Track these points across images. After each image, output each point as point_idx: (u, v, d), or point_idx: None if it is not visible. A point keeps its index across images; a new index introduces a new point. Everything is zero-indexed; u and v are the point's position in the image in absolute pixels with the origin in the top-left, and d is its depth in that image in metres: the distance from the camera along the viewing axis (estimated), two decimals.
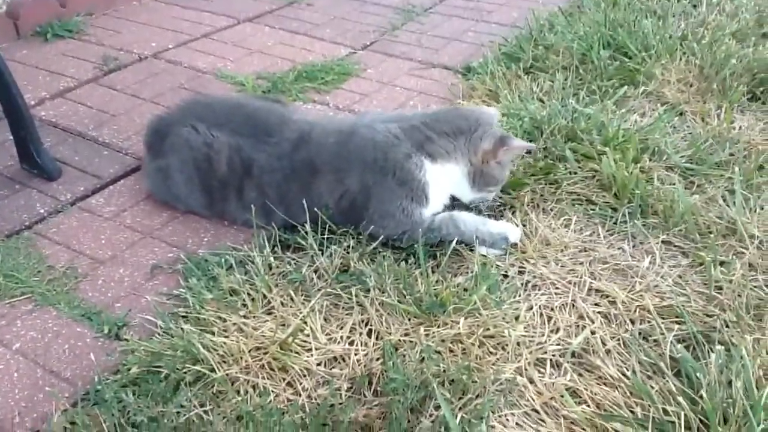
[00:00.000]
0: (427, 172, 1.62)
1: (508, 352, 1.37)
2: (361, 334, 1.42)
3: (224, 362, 1.32)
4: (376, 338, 1.41)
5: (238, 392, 1.28)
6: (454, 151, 1.64)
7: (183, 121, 1.78)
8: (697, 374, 1.27)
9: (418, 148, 1.62)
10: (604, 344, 1.40)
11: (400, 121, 1.69)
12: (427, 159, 1.62)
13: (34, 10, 2.84)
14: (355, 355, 1.37)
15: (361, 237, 1.63)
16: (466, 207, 1.74)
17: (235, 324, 1.41)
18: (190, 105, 1.91)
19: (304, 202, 1.62)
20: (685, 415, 1.20)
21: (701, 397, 1.21)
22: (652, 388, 1.28)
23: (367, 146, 1.63)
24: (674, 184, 1.87)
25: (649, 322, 1.45)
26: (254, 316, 1.44)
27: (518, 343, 1.39)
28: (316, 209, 1.62)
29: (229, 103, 1.92)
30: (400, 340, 1.39)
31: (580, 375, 1.34)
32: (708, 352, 1.34)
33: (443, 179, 1.65)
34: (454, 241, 1.59)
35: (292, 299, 1.49)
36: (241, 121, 1.75)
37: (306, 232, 1.61)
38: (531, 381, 1.32)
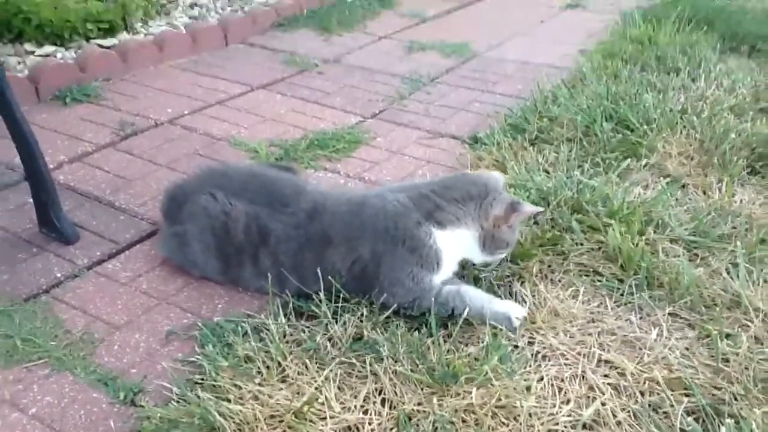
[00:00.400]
0: (437, 240, 1.66)
1: (520, 423, 1.38)
2: (374, 403, 1.43)
3: (240, 430, 1.33)
4: (390, 408, 1.42)
5: None
6: (464, 216, 1.69)
7: (200, 189, 1.83)
8: None
9: (427, 217, 1.67)
10: (614, 416, 1.41)
11: (409, 190, 1.74)
12: (436, 227, 1.66)
13: (54, 75, 2.94)
14: (369, 425, 1.38)
15: (374, 306, 1.66)
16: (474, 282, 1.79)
17: (250, 392, 1.43)
18: (207, 173, 1.96)
19: (318, 270, 1.66)
20: None
21: None
22: None
23: (378, 215, 1.68)
24: (678, 256, 1.91)
25: (658, 394, 1.47)
26: (269, 384, 1.46)
27: (530, 414, 1.40)
28: (329, 277, 1.66)
29: (244, 171, 1.98)
30: (413, 409, 1.41)
31: None
32: (718, 425, 1.36)
33: (453, 244, 1.69)
34: (465, 312, 1.62)
35: (306, 367, 1.51)
36: (257, 190, 1.81)
37: (320, 300, 1.64)
38: None
